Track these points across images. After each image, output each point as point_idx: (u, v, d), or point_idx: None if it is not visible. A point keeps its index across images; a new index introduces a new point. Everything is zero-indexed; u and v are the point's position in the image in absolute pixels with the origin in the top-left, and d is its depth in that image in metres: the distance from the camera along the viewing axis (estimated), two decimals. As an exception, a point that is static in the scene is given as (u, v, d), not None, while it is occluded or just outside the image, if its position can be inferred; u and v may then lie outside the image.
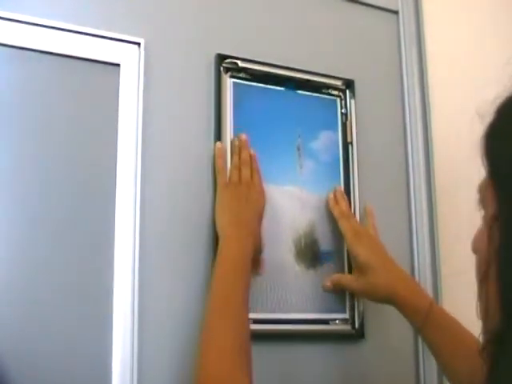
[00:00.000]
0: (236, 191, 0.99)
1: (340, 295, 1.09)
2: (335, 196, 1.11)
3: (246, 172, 1.00)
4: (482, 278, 0.60)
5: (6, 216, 0.88)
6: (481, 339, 0.60)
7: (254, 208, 0.99)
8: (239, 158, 1.01)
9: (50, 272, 0.88)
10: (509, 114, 0.62)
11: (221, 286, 0.90)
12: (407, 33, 1.28)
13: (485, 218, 0.63)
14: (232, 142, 1.04)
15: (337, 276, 1.08)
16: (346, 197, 1.12)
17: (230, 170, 1.01)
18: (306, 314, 1.05)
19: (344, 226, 1.08)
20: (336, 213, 1.10)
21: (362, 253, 1.04)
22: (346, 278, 1.08)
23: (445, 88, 1.29)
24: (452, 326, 0.98)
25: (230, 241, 0.94)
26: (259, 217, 1.00)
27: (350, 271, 1.10)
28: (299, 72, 1.13)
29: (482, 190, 0.64)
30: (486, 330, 0.60)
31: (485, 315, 0.60)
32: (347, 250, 1.09)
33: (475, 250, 0.66)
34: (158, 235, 0.97)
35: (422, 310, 0.97)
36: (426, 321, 0.96)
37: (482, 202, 0.64)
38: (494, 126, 0.62)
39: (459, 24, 1.37)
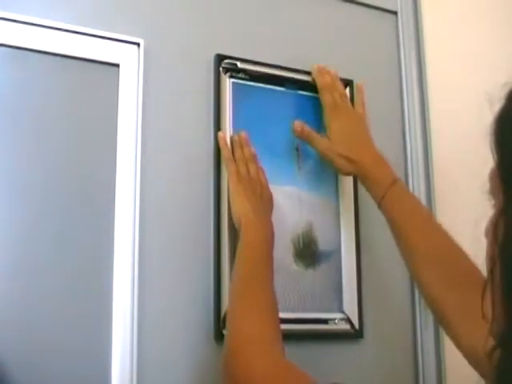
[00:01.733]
0: (250, 186, 0.99)
1: (339, 295, 1.10)
2: (319, 68, 1.12)
3: (253, 169, 1.01)
4: (487, 277, 0.57)
5: (6, 216, 0.88)
6: (488, 341, 0.57)
7: (267, 206, 1.00)
8: (243, 154, 1.02)
9: (49, 272, 0.89)
10: None
11: (248, 268, 0.90)
12: (406, 33, 1.29)
13: (495, 206, 0.59)
14: (232, 138, 1.04)
15: (311, 132, 1.07)
16: (332, 72, 1.13)
17: (237, 164, 1.01)
18: (304, 314, 1.06)
19: (324, 97, 1.09)
20: (319, 84, 1.11)
21: (334, 126, 1.06)
22: (319, 140, 1.07)
23: (443, 88, 1.29)
24: (411, 201, 1.01)
25: (255, 225, 0.95)
26: (271, 215, 1.01)
27: (347, 272, 1.10)
28: (298, 72, 1.13)
29: (492, 179, 0.60)
30: (492, 332, 0.57)
31: (493, 317, 0.57)
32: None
33: (486, 235, 0.61)
34: (157, 235, 0.97)
35: (385, 183, 0.99)
36: (387, 194, 0.98)
37: (492, 191, 0.60)
38: (504, 113, 0.59)
39: (458, 24, 1.37)
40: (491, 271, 0.57)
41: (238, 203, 0.98)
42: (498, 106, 0.59)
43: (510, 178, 0.57)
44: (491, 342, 0.56)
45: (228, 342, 0.82)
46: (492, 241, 0.57)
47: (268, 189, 1.02)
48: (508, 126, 0.58)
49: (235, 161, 1.01)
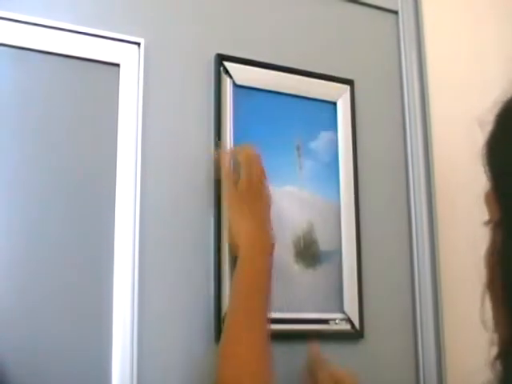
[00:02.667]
0: (248, 195, 0.96)
1: (339, 295, 1.09)
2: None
3: (255, 170, 0.99)
4: (488, 287, 0.58)
5: (6, 216, 0.88)
6: (491, 351, 0.57)
7: (266, 209, 0.98)
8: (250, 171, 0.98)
9: (50, 272, 0.89)
10: (507, 120, 0.60)
11: (253, 300, 0.89)
12: (407, 33, 1.28)
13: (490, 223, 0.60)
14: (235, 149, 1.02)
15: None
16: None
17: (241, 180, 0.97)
18: (305, 314, 1.06)
19: None
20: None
21: None
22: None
23: (444, 88, 1.29)
24: None
25: (253, 251, 0.93)
26: (269, 216, 0.99)
27: (348, 272, 1.10)
28: (299, 72, 1.13)
29: (486, 199, 0.61)
30: (496, 341, 0.57)
31: (494, 325, 0.58)
32: None
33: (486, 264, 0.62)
34: (157, 236, 0.97)
35: None
36: None
37: (489, 211, 0.61)
38: (493, 134, 0.60)
39: (458, 24, 1.37)
40: (491, 281, 0.57)
41: (235, 224, 0.96)
42: (487, 127, 0.60)
43: (504, 197, 0.58)
44: (493, 351, 0.56)
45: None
46: (491, 250, 0.58)
47: (268, 189, 1.01)
48: (497, 149, 0.59)
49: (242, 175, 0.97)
